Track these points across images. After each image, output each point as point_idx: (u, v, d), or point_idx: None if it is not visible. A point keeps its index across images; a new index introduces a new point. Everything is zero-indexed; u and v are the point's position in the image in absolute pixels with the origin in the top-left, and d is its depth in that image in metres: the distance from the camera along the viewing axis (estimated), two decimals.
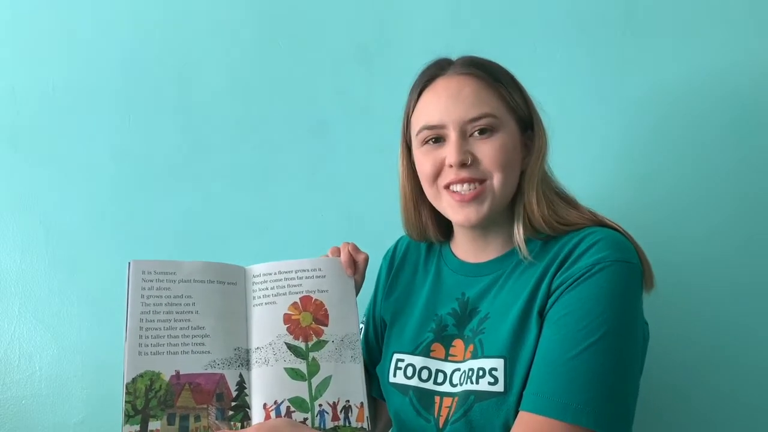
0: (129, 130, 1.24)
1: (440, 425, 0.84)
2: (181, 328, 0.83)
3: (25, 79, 1.23)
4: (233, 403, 0.83)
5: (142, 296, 0.83)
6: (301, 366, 0.85)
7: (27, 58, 1.24)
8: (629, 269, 0.79)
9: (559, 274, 0.80)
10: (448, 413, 0.83)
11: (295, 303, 0.88)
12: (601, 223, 0.85)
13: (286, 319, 0.87)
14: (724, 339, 1.15)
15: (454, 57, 0.90)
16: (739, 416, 1.13)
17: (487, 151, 0.83)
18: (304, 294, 0.89)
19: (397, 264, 1.01)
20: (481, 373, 0.81)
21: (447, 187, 0.85)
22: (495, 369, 0.80)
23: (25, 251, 1.23)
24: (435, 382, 0.87)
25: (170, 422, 0.79)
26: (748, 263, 1.16)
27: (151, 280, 0.84)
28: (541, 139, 0.87)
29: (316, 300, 0.89)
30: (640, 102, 1.19)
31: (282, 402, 0.83)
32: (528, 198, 0.85)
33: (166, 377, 0.80)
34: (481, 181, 0.84)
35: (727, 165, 1.17)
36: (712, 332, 1.14)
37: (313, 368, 0.85)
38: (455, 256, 0.95)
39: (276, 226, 1.24)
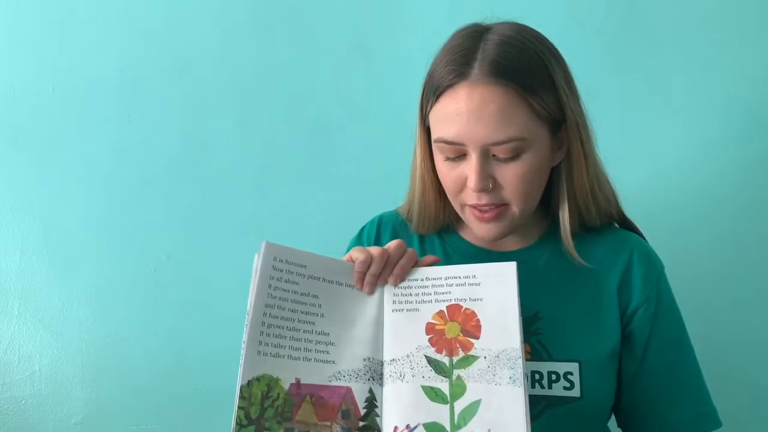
0: (129, 130, 1.24)
1: None
2: (304, 332, 0.72)
3: (25, 79, 1.23)
4: (361, 423, 0.71)
5: (270, 286, 0.72)
6: (443, 385, 0.71)
7: (27, 58, 1.23)
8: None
9: (635, 291, 0.82)
10: None
11: (440, 312, 0.74)
12: (626, 224, 0.90)
13: (429, 328, 0.74)
14: (724, 344, 1.15)
15: (487, 21, 0.81)
16: (737, 420, 1.13)
17: (509, 178, 0.75)
18: (453, 302, 0.75)
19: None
20: (553, 377, 0.78)
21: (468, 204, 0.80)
22: (570, 373, 0.77)
23: (25, 251, 1.23)
24: None
25: None
26: (751, 264, 1.16)
27: (281, 270, 0.73)
28: (575, 135, 0.79)
29: (466, 309, 0.74)
30: (639, 102, 1.19)
31: (416, 427, 0.70)
32: (581, 193, 0.81)
33: (285, 385, 0.70)
34: (501, 205, 0.78)
35: (729, 167, 1.17)
36: (713, 338, 1.14)
37: (458, 389, 0.70)
38: (469, 242, 0.88)
39: (276, 226, 1.24)
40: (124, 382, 1.21)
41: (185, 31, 1.24)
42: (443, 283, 0.76)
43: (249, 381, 0.68)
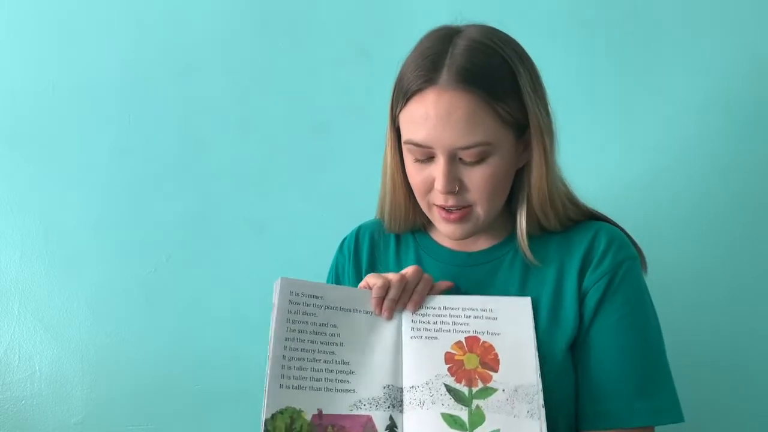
0: (129, 130, 1.24)
1: None
2: (324, 362, 0.75)
3: (25, 79, 1.23)
4: None
5: (288, 320, 0.74)
6: (462, 413, 0.72)
7: (26, 58, 1.23)
8: (639, 264, 0.84)
9: (588, 274, 0.81)
10: None
11: (459, 342, 0.76)
12: (597, 218, 0.88)
13: (448, 357, 0.76)
14: (723, 340, 1.15)
15: (460, 23, 0.83)
16: (736, 419, 1.13)
17: (476, 180, 0.78)
18: (471, 334, 0.77)
19: (366, 257, 0.94)
20: None
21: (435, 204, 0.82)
22: None
23: (25, 251, 1.23)
24: None
25: None
26: (749, 264, 1.16)
27: (298, 303, 0.75)
28: (538, 140, 0.80)
29: (484, 342, 0.76)
30: (639, 102, 1.19)
31: None
32: (539, 198, 0.82)
33: (308, 416, 0.72)
34: (466, 206, 0.80)
35: (728, 165, 1.17)
36: (710, 333, 1.14)
37: (477, 418, 0.72)
38: (439, 243, 0.90)
39: (276, 226, 1.24)
40: (124, 382, 1.22)
41: (185, 32, 1.24)
42: (461, 314, 0.78)
43: (273, 414, 0.70)
